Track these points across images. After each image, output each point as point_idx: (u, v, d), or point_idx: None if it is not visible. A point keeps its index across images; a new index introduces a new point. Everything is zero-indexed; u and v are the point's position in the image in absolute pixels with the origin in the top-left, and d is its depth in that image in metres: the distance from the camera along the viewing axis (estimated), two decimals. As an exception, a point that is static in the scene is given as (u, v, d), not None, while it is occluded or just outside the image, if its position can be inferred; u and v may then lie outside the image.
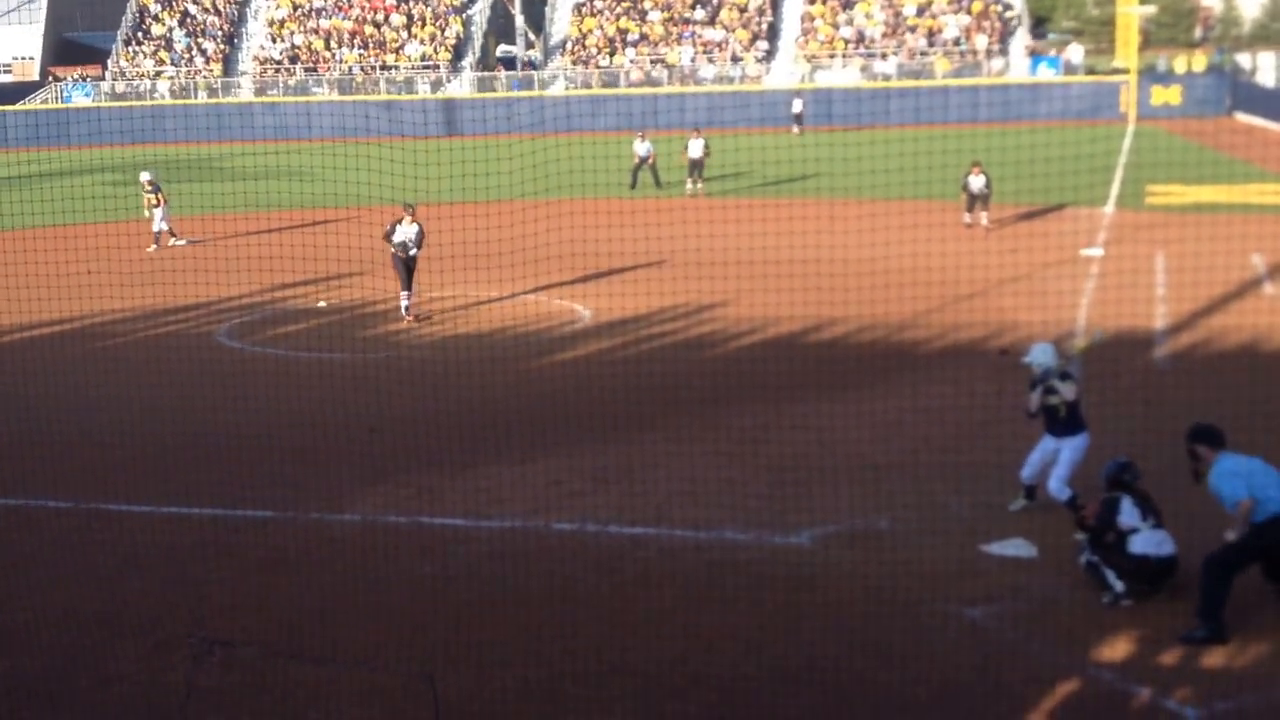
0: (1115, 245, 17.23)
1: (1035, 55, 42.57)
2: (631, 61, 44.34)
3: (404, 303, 13.86)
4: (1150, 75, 40.17)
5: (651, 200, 22.57)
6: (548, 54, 45.90)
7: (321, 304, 14.98)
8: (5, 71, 51.12)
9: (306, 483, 8.73)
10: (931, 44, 42.91)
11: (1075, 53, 42.51)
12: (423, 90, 43.95)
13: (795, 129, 36.36)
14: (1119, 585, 6.51)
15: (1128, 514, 6.54)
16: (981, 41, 42.57)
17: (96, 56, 50.03)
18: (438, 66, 45.04)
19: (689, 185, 24.46)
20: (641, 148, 25.38)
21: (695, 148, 24.94)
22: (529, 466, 8.92)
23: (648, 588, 6.96)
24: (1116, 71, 40.60)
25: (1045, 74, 41.18)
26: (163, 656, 6.43)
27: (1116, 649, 6.16)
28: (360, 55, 45.98)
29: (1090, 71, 41.97)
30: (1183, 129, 34.06)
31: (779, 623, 6.50)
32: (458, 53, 45.97)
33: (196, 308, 14.81)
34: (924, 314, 13.44)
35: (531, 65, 45.75)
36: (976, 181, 18.89)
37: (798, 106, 37.51)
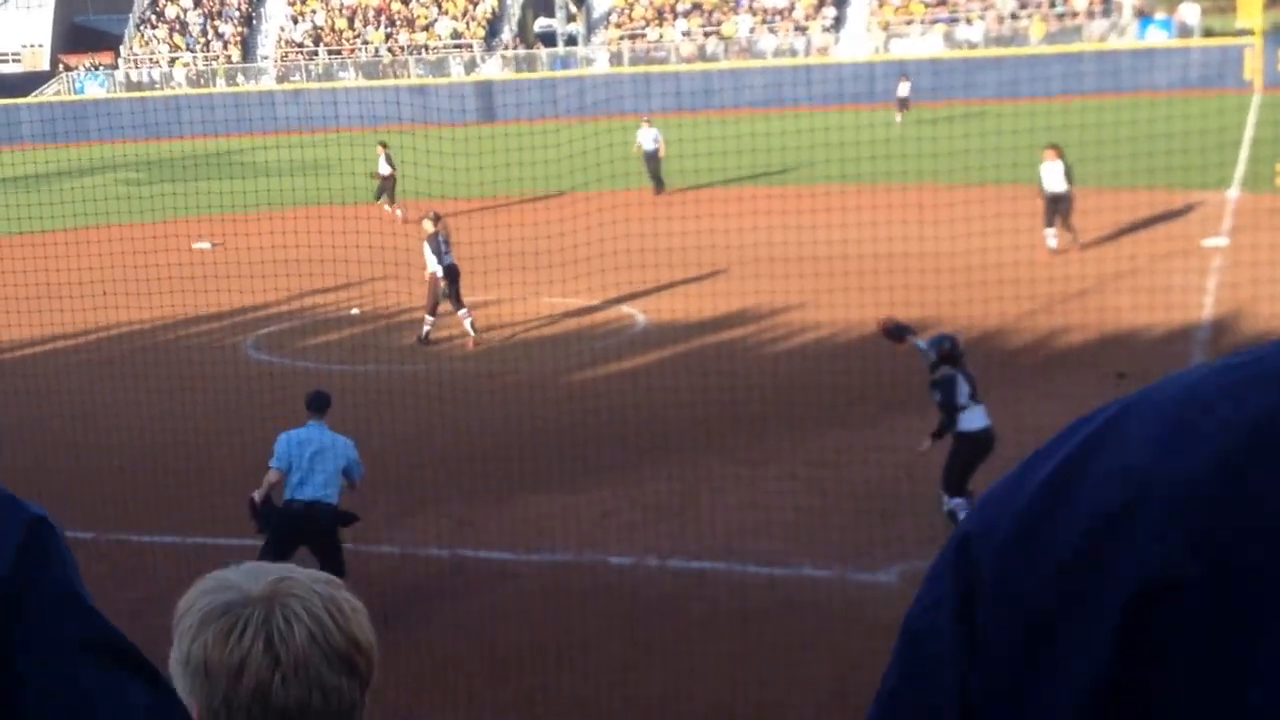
0: (1242, 234, 16.75)
1: (1144, 16, 41.63)
2: (684, 34, 44.38)
3: (469, 321, 13.42)
4: (1278, 37, 39.00)
5: (709, 192, 22.55)
6: (590, 28, 46.16)
7: (354, 311, 15.24)
8: (14, 60, 52.86)
9: (340, 511, 8.88)
10: (1024, 6, 42.23)
11: (1190, 12, 41.44)
12: (456, 72, 44.49)
13: (898, 116, 32.06)
14: None
15: (962, 393, 7.59)
16: (1081, 2, 41.77)
17: (108, 42, 51.51)
18: (471, 45, 45.58)
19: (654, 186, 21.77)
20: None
21: (647, 138, 22.15)
22: (581, 493, 8.97)
23: (715, 630, 6.96)
24: (1239, 33, 39.49)
25: (1156, 37, 40.24)
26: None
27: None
28: (388, 34, 46.75)
29: (1208, 34, 40.90)
30: (1319, 97, 32.98)
31: (864, 669, 6.44)
32: (492, 29, 46.48)
33: (222, 317, 15.18)
34: (1024, 316, 13.22)
35: (573, 40, 46.06)
36: (1053, 171, 15.73)
37: (904, 90, 33.10)
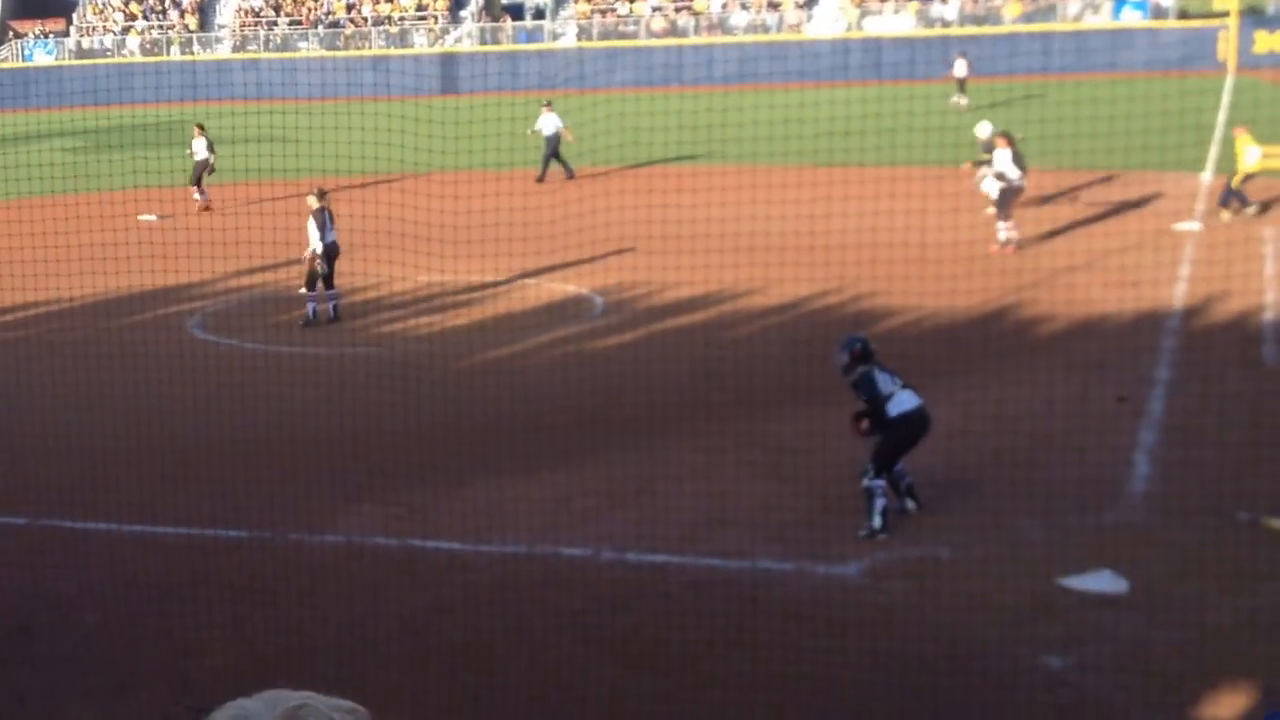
0: (1215, 218, 16.79)
1: (1119, -4, 41.74)
2: (654, 9, 43.97)
3: (334, 304, 13.58)
4: (1254, 19, 39.24)
5: (675, 169, 22.30)
6: (559, 1, 45.64)
7: (302, 290, 14.90)
8: (-40, 26, 51.42)
9: (284, 499, 8.64)
10: (998, -16, 42.17)
11: (1165, -8, 41.57)
12: (419, 44, 43.86)
13: (955, 100, 28.57)
14: (878, 521, 7.56)
15: (884, 383, 7.68)
16: (1056, -19, 41.79)
17: (60, 9, 50.26)
18: (436, 17, 44.92)
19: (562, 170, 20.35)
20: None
21: (548, 123, 20.66)
22: (534, 481, 8.77)
23: (671, 627, 6.80)
24: (1214, 15, 39.70)
25: (1130, 18, 40.37)
26: (125, 702, 6.37)
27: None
28: (350, 4, 45.95)
29: (1183, 15, 41.08)
30: (1291, 80, 33.24)
31: (824, 669, 6.31)
32: (458, 1, 45.84)
33: (165, 294, 14.75)
34: (993, 302, 13.14)
35: (540, 14, 45.52)
36: (1002, 159, 15.01)
37: (961, 69, 29.09)
